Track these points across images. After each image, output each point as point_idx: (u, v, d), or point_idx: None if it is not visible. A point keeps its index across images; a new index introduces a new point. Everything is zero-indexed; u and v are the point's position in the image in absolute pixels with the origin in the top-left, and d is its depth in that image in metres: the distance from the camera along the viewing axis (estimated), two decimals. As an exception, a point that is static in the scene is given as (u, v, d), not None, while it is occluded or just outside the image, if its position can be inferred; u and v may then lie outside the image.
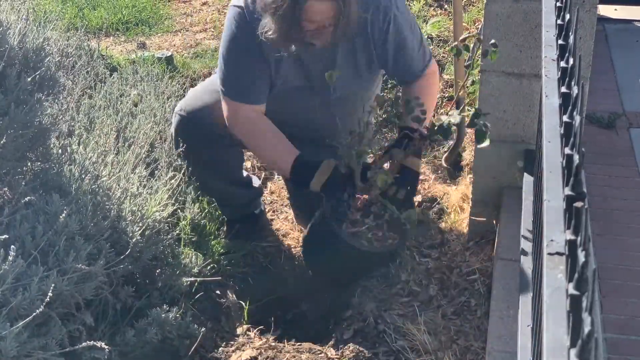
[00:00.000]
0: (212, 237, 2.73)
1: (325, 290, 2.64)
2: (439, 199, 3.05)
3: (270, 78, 2.47)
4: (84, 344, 1.78)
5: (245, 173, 2.95)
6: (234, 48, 2.43)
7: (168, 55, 4.23)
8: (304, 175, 2.39)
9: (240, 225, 2.83)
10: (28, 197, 1.96)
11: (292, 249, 2.87)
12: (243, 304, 2.52)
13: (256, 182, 3.03)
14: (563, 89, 1.19)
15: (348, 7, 2.21)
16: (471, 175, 2.85)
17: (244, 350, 2.26)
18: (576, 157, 0.99)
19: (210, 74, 4.07)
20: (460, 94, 3.23)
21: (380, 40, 2.43)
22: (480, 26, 3.39)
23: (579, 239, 0.87)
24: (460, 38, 2.50)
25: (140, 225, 2.20)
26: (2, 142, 1.97)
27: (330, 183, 2.35)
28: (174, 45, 4.71)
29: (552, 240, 0.90)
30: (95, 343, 1.77)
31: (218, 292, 2.51)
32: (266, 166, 3.24)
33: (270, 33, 2.24)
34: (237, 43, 2.42)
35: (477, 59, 3.42)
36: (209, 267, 2.47)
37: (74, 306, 1.94)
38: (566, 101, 1.16)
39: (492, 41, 2.27)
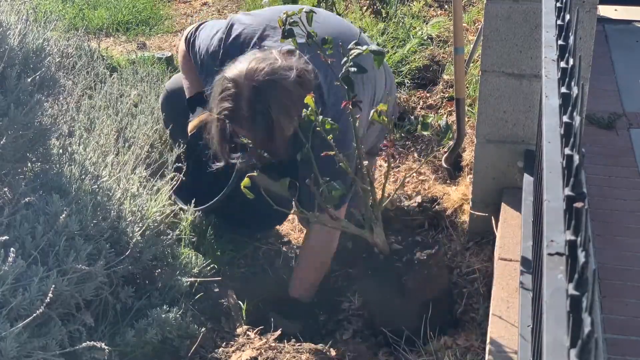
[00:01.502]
0: (213, 238, 2.73)
1: (326, 291, 2.64)
2: (439, 199, 3.05)
3: None
4: (84, 344, 1.78)
5: None
6: (211, 39, 2.58)
7: (168, 55, 4.23)
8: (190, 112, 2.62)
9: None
10: (28, 198, 1.96)
11: (292, 250, 2.87)
12: (242, 304, 2.52)
13: None
14: (563, 90, 1.19)
15: (272, 140, 2.22)
16: (471, 176, 2.85)
17: (244, 351, 2.26)
18: (576, 158, 0.99)
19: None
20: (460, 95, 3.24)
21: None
22: (480, 26, 3.39)
23: (579, 239, 0.87)
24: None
25: (140, 225, 2.20)
26: (2, 142, 1.97)
27: (198, 132, 2.47)
28: (174, 46, 4.71)
29: (552, 241, 0.90)
30: (95, 343, 1.77)
31: (218, 292, 2.51)
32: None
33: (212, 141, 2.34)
34: (214, 42, 2.56)
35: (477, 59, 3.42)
36: (209, 268, 2.47)
37: (74, 306, 1.94)
38: (566, 101, 1.16)
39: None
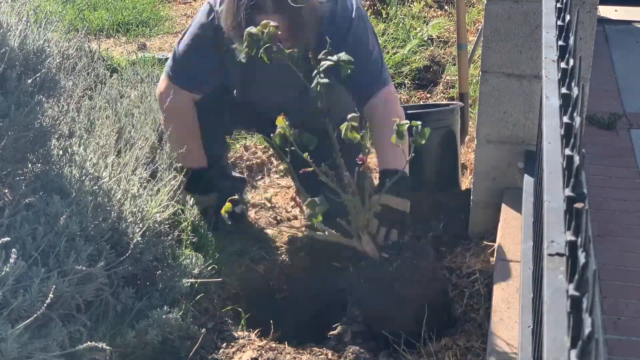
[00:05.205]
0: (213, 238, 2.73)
1: (325, 292, 2.65)
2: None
3: (222, 74, 2.65)
4: (84, 345, 1.78)
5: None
6: (195, 36, 2.62)
7: (168, 56, 4.22)
8: (193, 187, 2.68)
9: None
10: (29, 199, 1.96)
11: (292, 252, 2.87)
12: (243, 305, 2.52)
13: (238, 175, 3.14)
14: (563, 90, 1.19)
15: (300, 23, 2.30)
16: (471, 176, 2.85)
17: (244, 352, 2.26)
18: (576, 158, 0.99)
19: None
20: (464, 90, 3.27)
21: (336, 45, 2.21)
22: (480, 27, 3.40)
23: (579, 240, 0.87)
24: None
25: (141, 226, 2.20)
26: (2, 143, 1.98)
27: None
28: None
29: (552, 242, 0.90)
30: (95, 344, 1.77)
31: (218, 293, 2.51)
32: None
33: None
34: (199, 32, 2.60)
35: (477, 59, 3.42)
36: (209, 268, 2.47)
37: (75, 307, 1.94)
38: (566, 102, 1.16)
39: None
